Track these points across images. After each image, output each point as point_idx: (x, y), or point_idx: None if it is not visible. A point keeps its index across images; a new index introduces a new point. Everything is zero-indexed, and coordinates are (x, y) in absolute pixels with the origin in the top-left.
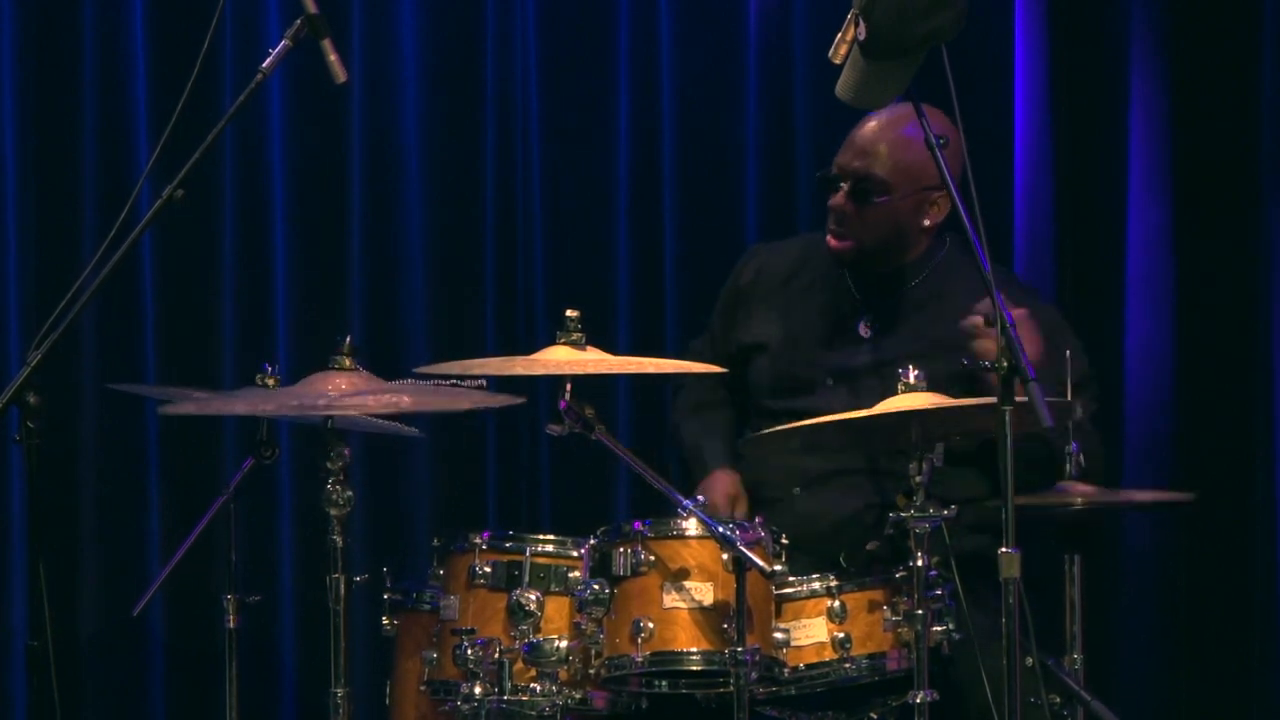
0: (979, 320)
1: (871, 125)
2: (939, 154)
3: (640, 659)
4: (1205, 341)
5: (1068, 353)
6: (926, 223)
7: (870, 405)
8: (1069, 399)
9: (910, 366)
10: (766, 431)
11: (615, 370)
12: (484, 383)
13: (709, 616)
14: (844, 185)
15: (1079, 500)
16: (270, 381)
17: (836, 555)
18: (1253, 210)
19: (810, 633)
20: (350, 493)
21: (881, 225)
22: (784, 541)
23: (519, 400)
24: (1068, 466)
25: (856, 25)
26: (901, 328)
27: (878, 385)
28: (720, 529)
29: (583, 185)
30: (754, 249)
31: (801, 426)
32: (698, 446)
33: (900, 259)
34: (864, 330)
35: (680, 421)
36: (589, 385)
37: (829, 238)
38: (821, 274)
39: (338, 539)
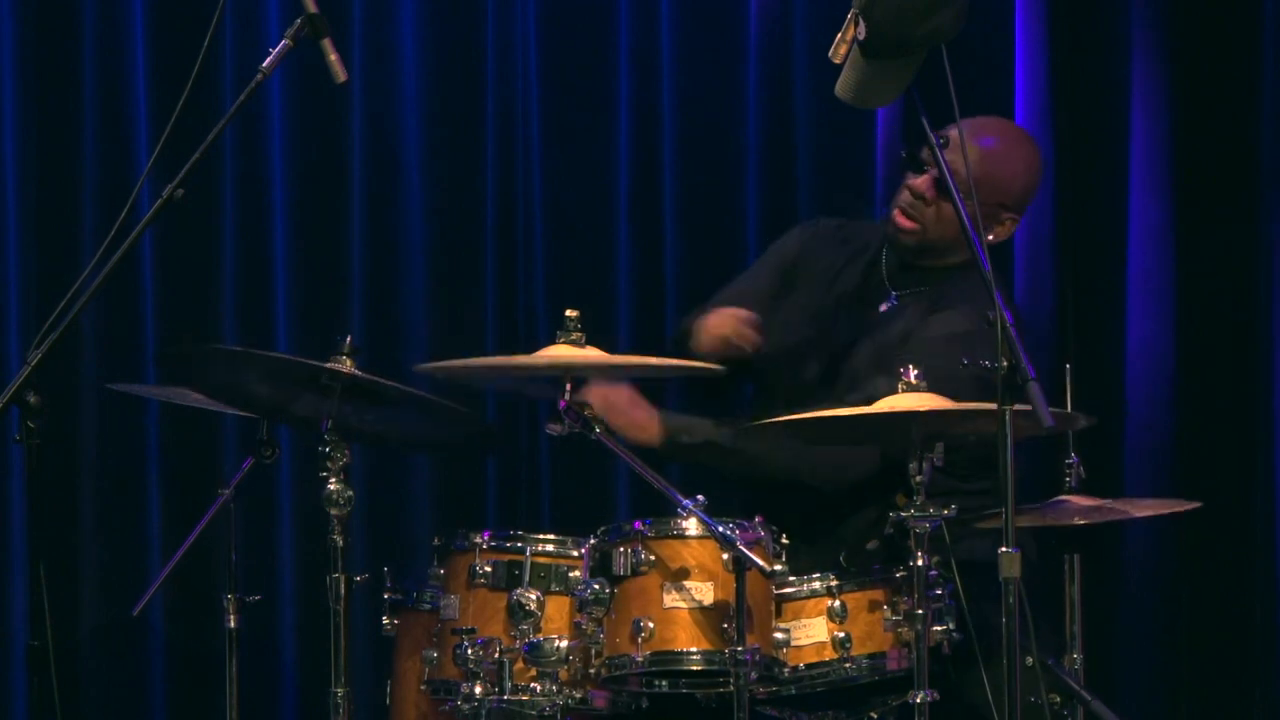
0: None
1: (978, 124)
2: (938, 153)
3: (640, 659)
4: (1205, 341)
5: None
6: (990, 238)
7: (855, 388)
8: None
9: (910, 366)
10: (763, 422)
11: (616, 366)
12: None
13: (709, 616)
14: (930, 171)
15: (1077, 519)
16: None
17: (837, 555)
18: (1253, 209)
19: (810, 632)
20: (350, 493)
21: (952, 224)
22: (784, 541)
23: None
24: (1067, 479)
25: (856, 25)
26: (923, 310)
27: (885, 357)
28: (720, 529)
29: (583, 185)
30: (815, 222)
31: (796, 420)
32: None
33: (951, 258)
34: (884, 308)
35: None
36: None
37: (898, 214)
38: (859, 253)
39: (338, 539)
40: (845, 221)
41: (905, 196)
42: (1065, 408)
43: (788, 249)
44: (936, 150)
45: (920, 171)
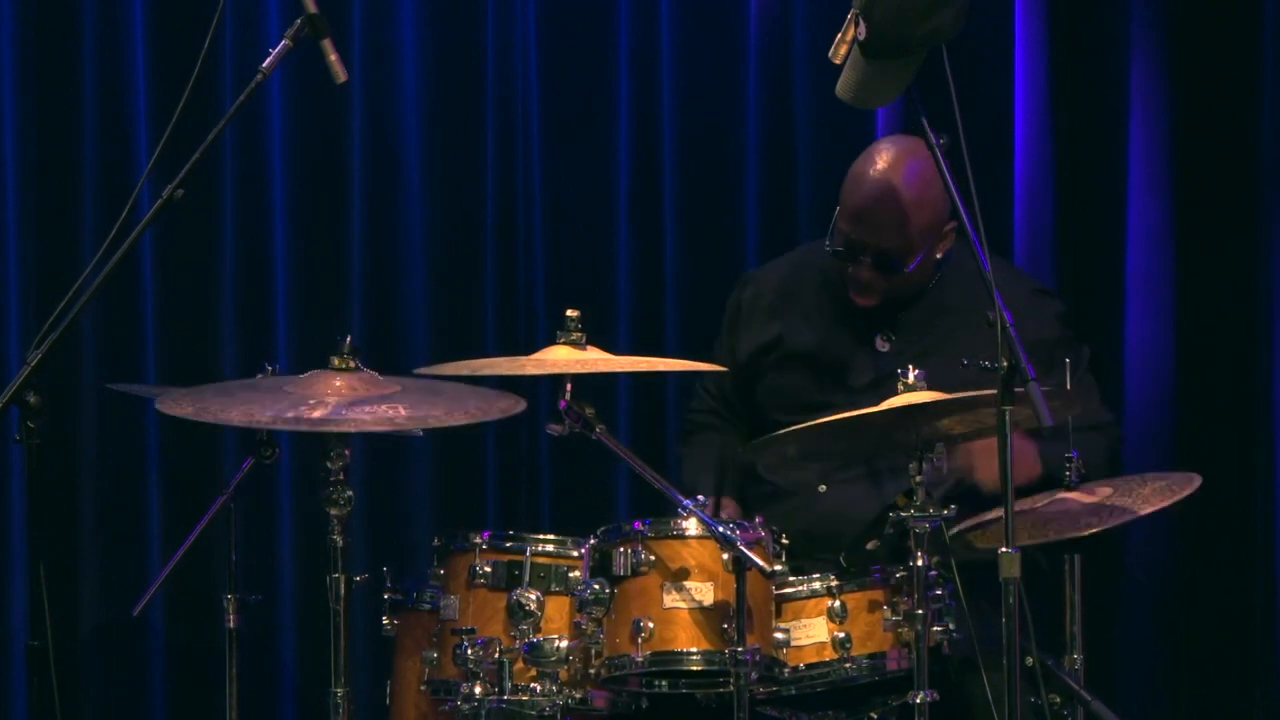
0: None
1: (872, 193)
2: (938, 154)
3: (640, 659)
4: (1205, 340)
5: (1066, 360)
6: (939, 255)
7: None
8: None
9: (910, 367)
10: (763, 439)
11: (617, 369)
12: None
13: (709, 616)
14: (865, 259)
15: (1082, 525)
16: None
17: (837, 555)
18: (1253, 208)
19: (810, 632)
20: (350, 493)
21: (910, 282)
22: (784, 541)
23: (519, 408)
24: (1066, 474)
25: (856, 25)
26: (916, 338)
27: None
28: (720, 529)
29: (583, 185)
30: (744, 276)
31: (799, 430)
32: (693, 483)
33: (918, 289)
34: (881, 344)
35: (681, 453)
36: (589, 385)
37: (855, 296)
38: (825, 290)
39: (338, 539)
40: (782, 261)
41: (851, 283)
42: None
43: (733, 347)
44: (936, 150)
45: (857, 262)
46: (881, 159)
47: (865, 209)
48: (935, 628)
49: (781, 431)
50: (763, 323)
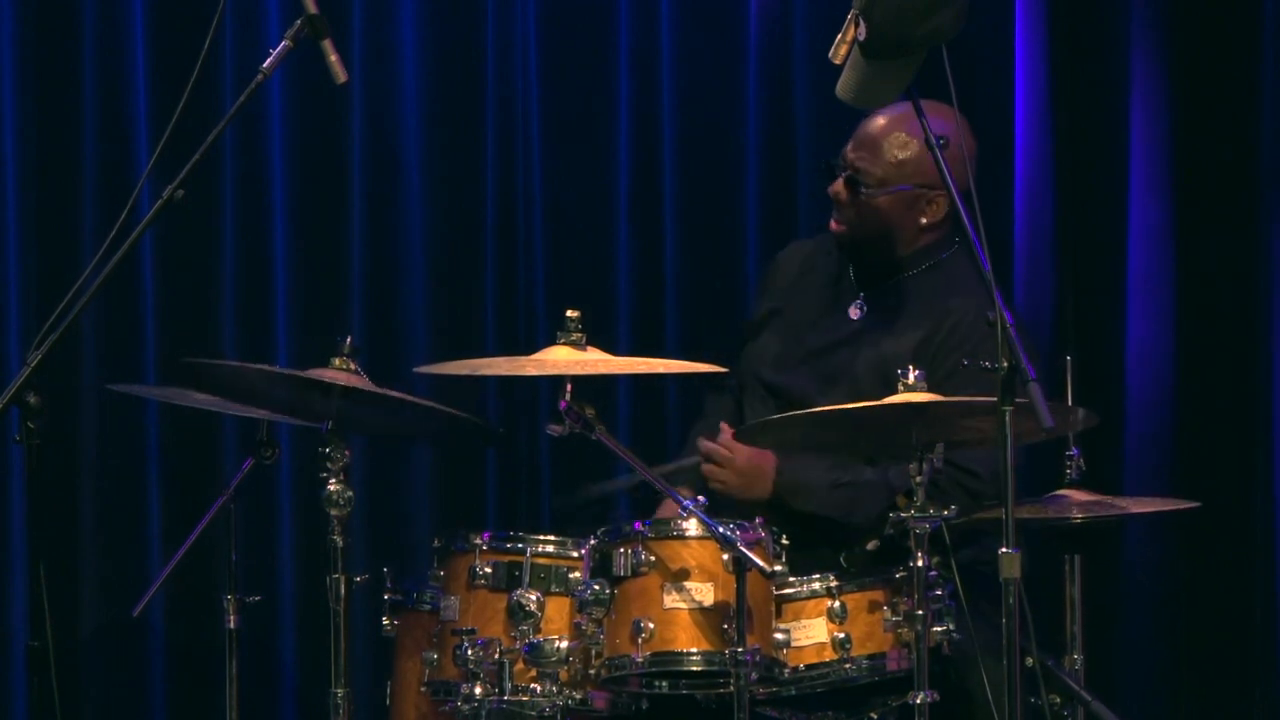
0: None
1: (878, 121)
2: (938, 154)
3: (640, 659)
4: (1205, 341)
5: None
6: (924, 220)
7: (843, 387)
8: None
9: (911, 367)
10: (759, 421)
11: (617, 370)
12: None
13: (709, 617)
14: (841, 174)
15: (1076, 514)
16: None
17: (837, 555)
18: (1253, 209)
19: (810, 633)
20: (350, 493)
21: (873, 217)
22: (784, 542)
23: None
24: (1067, 470)
25: (856, 25)
26: (890, 316)
27: (853, 368)
28: (720, 529)
29: (583, 185)
30: (792, 245)
31: (796, 416)
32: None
33: (896, 250)
34: (854, 312)
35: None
36: (589, 385)
37: (832, 220)
38: (829, 261)
39: (338, 539)
40: (817, 237)
41: (833, 204)
42: (1066, 400)
43: (759, 304)
44: (936, 150)
45: (833, 177)
46: (905, 104)
47: (863, 128)
48: (935, 628)
49: (775, 417)
50: (774, 293)
